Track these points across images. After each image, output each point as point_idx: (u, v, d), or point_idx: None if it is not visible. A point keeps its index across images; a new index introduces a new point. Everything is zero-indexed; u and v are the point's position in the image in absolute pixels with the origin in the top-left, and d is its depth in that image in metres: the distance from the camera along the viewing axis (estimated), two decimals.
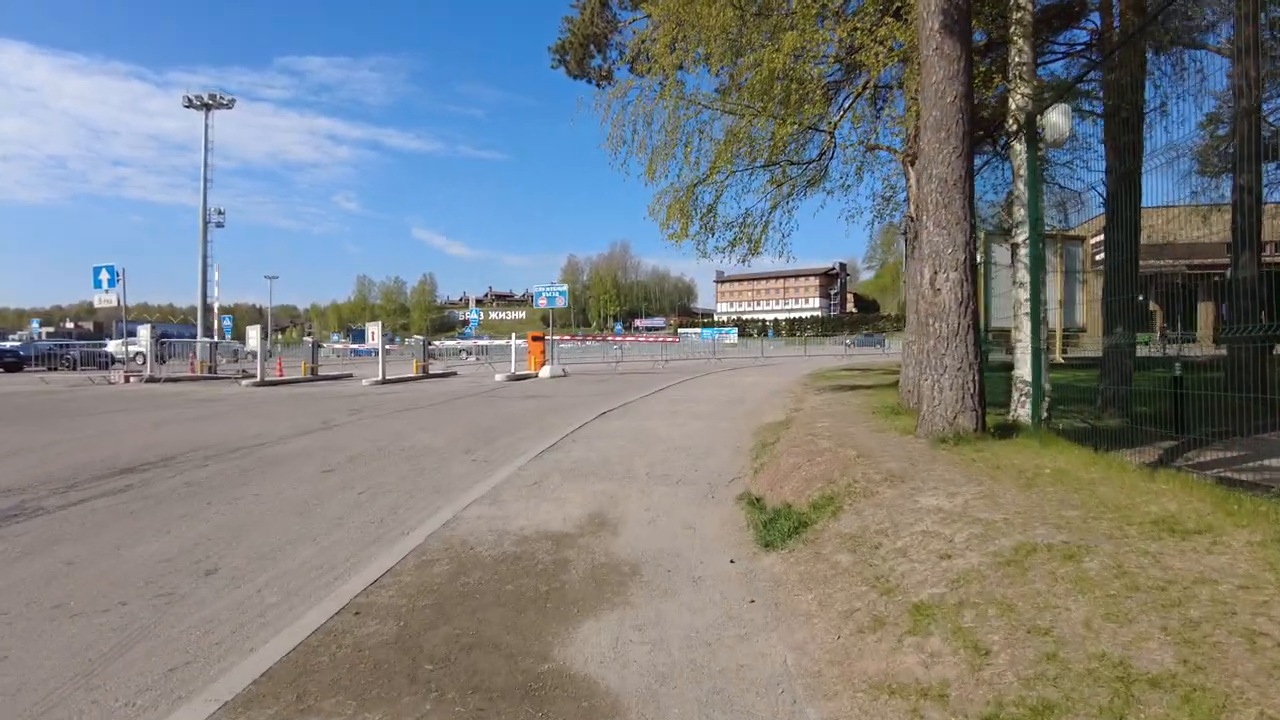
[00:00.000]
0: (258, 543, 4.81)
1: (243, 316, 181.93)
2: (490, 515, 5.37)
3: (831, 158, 10.94)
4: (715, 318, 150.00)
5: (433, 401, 14.97)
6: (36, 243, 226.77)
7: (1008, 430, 6.36)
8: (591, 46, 15.52)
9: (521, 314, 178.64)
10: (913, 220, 8.76)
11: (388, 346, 26.95)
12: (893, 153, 10.29)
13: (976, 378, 6.11)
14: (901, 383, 8.72)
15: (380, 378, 21.55)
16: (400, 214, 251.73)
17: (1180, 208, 7.72)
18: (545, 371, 22.03)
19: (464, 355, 34.69)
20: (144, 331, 23.53)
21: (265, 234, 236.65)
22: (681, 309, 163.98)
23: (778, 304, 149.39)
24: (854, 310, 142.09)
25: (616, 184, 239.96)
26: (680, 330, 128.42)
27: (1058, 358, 20.09)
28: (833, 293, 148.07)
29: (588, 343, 30.13)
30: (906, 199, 9.31)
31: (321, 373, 25.74)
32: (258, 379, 22.14)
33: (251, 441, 9.41)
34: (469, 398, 15.88)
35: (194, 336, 68.36)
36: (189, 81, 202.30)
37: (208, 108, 69.67)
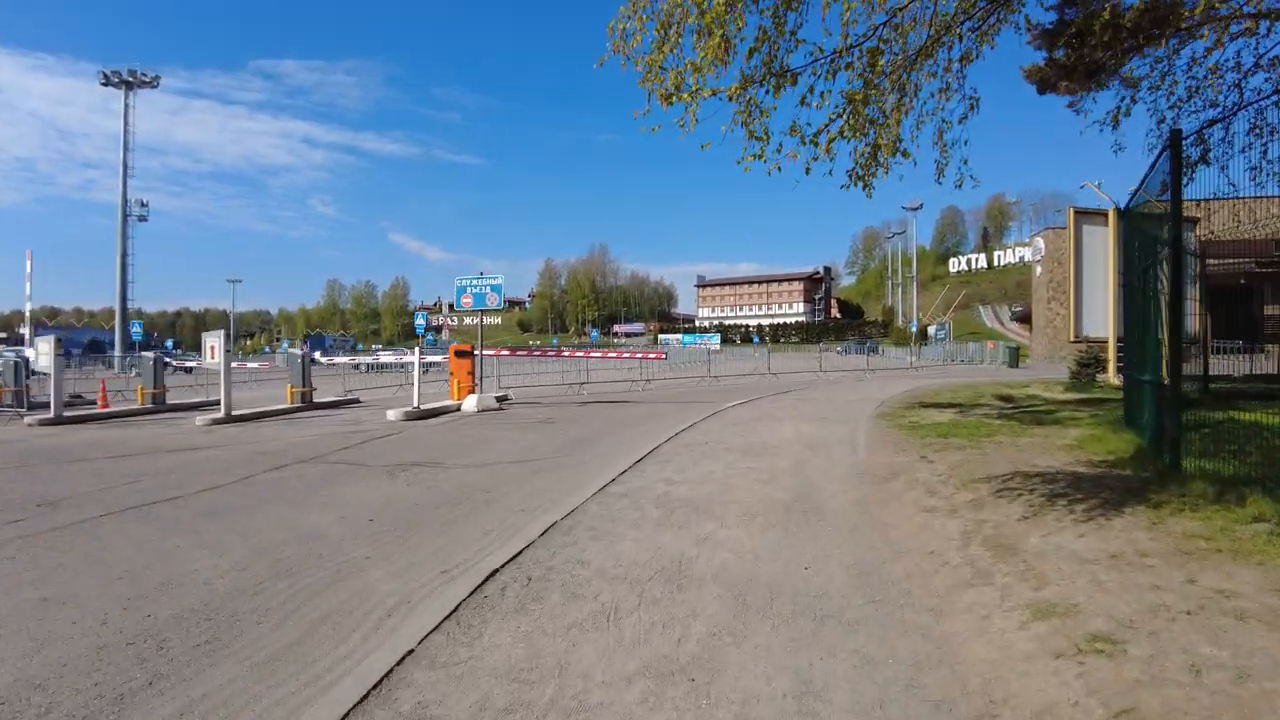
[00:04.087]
0: None
1: (213, 322, 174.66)
2: None
3: None
4: (696, 323, 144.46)
5: (224, 480, 8.15)
6: (3, 246, 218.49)
7: None
8: None
9: (497, 320, 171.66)
10: None
11: (322, 359, 19.93)
12: None
13: None
14: None
15: (223, 413, 14.56)
16: (376, 218, 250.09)
17: None
18: (471, 402, 14.91)
19: (412, 369, 27.59)
20: None
21: (239, 238, 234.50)
22: (661, 314, 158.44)
23: (760, 309, 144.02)
24: (838, 316, 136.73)
25: (594, 186, 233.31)
26: (661, 336, 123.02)
27: (1111, 379, 13.12)
28: (817, 298, 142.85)
29: (547, 355, 23.02)
30: None
31: (174, 400, 18.56)
32: (51, 414, 15.01)
33: None
34: (297, 467, 8.90)
35: (111, 343, 60.40)
36: (162, 83, 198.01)
37: (128, 86, 61.81)
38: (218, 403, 18.53)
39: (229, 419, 14.47)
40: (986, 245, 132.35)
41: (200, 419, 14.37)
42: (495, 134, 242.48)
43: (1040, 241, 52.99)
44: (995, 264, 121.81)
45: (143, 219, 66.41)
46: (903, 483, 6.35)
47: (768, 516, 5.61)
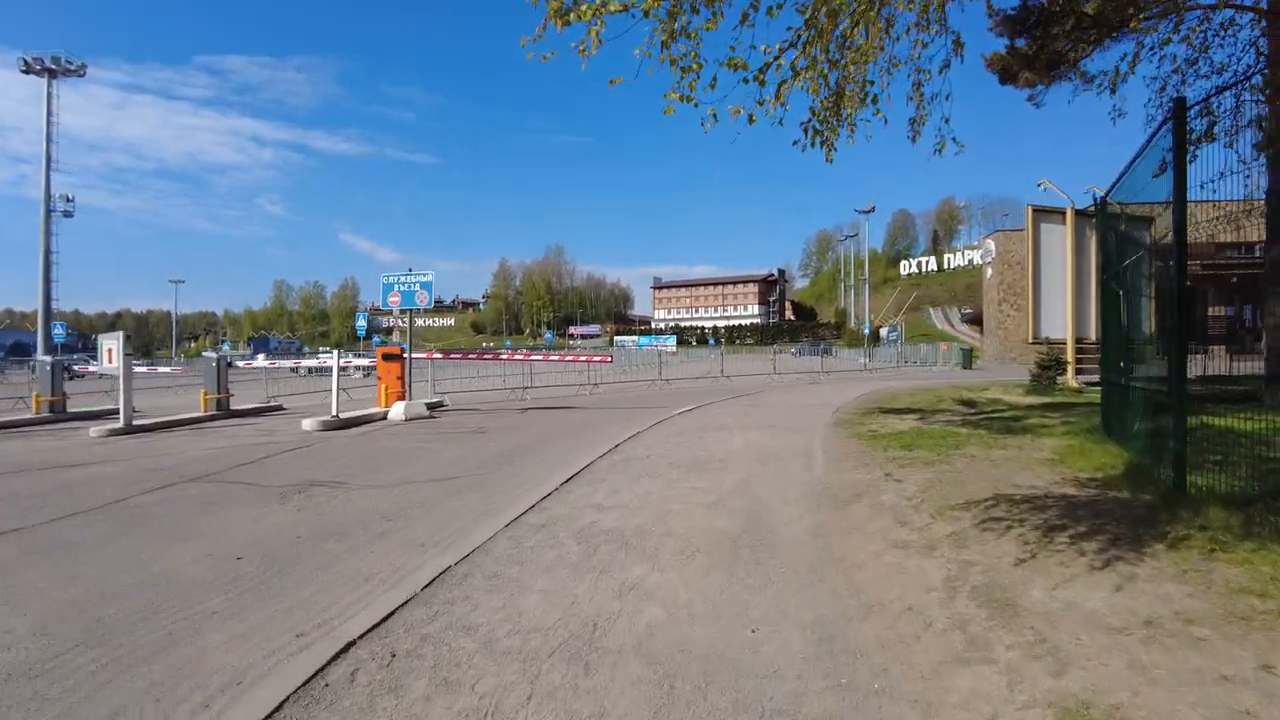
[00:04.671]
0: None
1: (156, 323, 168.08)
2: None
3: None
4: (653, 325, 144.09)
5: (88, 505, 7.05)
6: None
7: None
8: None
9: (450, 320, 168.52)
10: None
11: (240, 363, 18.34)
12: None
13: None
14: None
15: (122, 424, 13.16)
16: (327, 218, 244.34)
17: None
18: (398, 410, 13.70)
19: (349, 373, 26.01)
20: None
21: (183, 237, 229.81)
22: (618, 316, 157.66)
23: (716, 311, 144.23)
24: (792, 318, 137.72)
25: (551, 187, 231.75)
26: (618, 338, 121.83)
27: (1070, 382, 12.58)
28: (771, 300, 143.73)
29: (484, 359, 21.73)
30: None
31: (80, 408, 16.96)
32: None
33: None
34: (182, 487, 7.70)
35: (33, 345, 57.04)
36: (101, 76, 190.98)
37: (51, 73, 58.55)
38: (115, 412, 17.18)
39: (128, 430, 13.06)
40: (936, 248, 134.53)
41: (96, 430, 12.93)
42: (450, 133, 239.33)
43: (991, 244, 53.42)
44: (945, 267, 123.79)
45: (68, 214, 63.31)
46: (867, 507, 5.45)
47: (710, 554, 4.65)
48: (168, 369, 21.48)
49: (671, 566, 4.41)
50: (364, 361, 19.12)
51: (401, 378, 14.51)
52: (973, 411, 11.86)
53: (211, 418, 15.25)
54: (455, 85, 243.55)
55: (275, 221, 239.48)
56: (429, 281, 14.07)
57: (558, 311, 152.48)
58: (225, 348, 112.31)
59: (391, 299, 14.34)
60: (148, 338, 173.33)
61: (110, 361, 13.70)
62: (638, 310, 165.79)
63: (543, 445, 10.19)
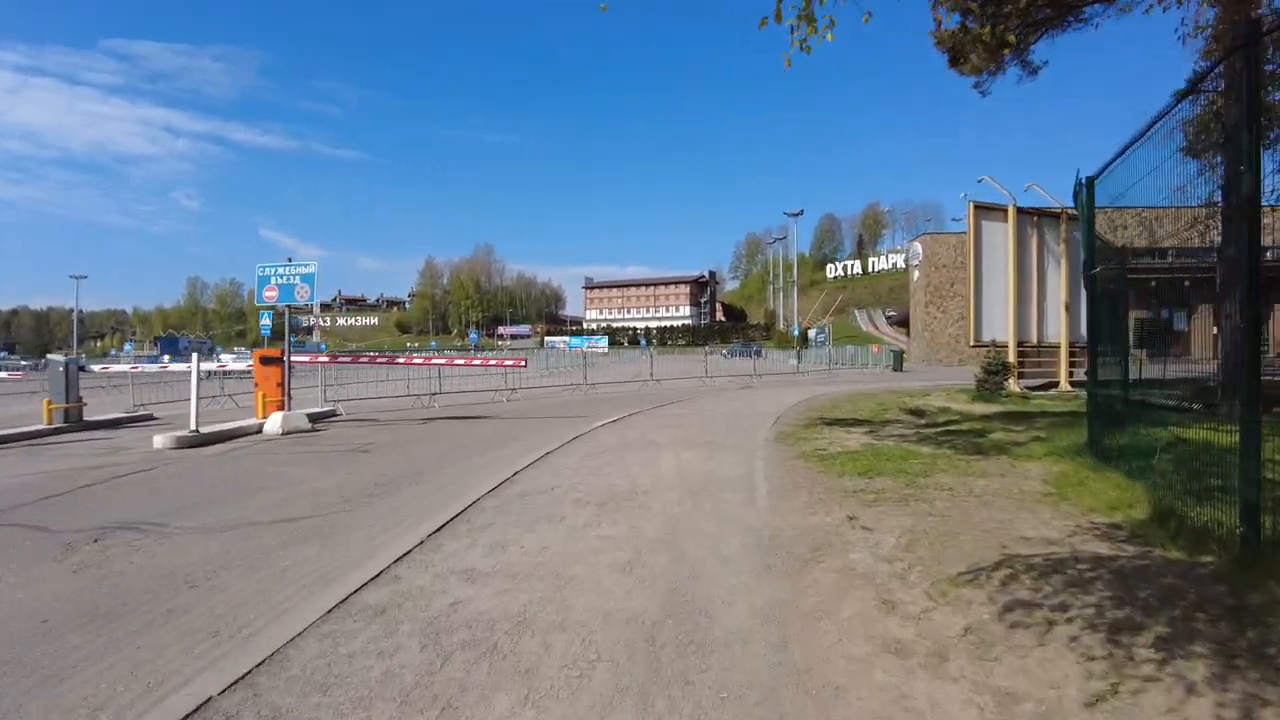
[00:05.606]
0: None
1: (58, 321, 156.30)
2: None
3: None
4: (584, 325, 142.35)
5: None
6: None
7: None
8: None
9: (374, 319, 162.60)
10: None
11: (95, 367, 15.86)
12: None
13: None
14: None
15: None
16: (247, 213, 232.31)
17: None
18: (274, 422, 11.73)
19: (224, 379, 23.43)
20: None
21: (91, 231, 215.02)
22: (549, 316, 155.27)
23: (648, 312, 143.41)
24: (723, 319, 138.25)
25: (481, 185, 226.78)
26: (548, 339, 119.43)
27: (1013, 386, 11.72)
28: (703, 301, 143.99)
29: (377, 361, 19.65)
30: None
31: None
32: None
33: None
34: None
35: None
36: None
37: None
38: None
39: None
40: (861, 252, 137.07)
41: None
42: (378, 129, 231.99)
43: (918, 246, 53.70)
44: (870, 270, 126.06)
45: None
46: (834, 574, 4.02)
47: (616, 663, 3.13)
48: (4, 374, 18.66)
49: (555, 695, 2.86)
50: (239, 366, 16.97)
51: (281, 384, 12.51)
52: (925, 423, 10.71)
53: (55, 431, 12.94)
54: (384, 81, 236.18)
55: (192, 216, 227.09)
56: (311, 274, 12.11)
57: (487, 311, 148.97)
58: (128, 348, 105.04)
59: (268, 293, 12.32)
60: (48, 337, 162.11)
61: None
62: (569, 310, 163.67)
63: (430, 470, 8.49)
